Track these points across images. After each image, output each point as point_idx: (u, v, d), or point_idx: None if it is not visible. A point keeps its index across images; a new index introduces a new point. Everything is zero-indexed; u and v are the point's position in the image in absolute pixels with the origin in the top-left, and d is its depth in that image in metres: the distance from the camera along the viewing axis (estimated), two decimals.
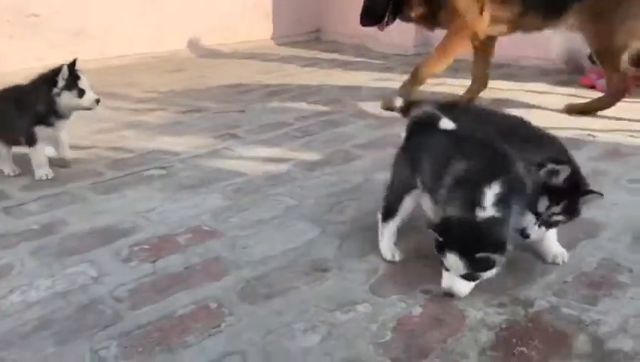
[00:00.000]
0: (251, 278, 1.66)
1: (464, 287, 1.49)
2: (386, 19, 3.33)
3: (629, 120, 3.05)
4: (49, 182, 2.39)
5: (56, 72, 2.37)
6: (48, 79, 2.38)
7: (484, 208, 1.45)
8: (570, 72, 4.08)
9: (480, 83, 3.49)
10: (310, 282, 1.64)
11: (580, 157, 2.44)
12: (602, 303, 1.51)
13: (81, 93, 2.41)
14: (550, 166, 1.56)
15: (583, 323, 1.43)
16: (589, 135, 2.84)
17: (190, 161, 2.61)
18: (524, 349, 1.36)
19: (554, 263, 1.68)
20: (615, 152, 2.61)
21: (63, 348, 1.39)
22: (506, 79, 4.03)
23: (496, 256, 1.43)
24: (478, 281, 1.49)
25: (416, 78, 3.30)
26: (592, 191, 1.61)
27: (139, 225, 2.00)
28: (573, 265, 1.68)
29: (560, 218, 1.60)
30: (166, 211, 2.10)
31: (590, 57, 3.76)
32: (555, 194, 1.56)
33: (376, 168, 2.45)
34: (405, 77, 3.45)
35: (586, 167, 2.34)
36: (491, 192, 1.46)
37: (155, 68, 4.70)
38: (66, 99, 2.39)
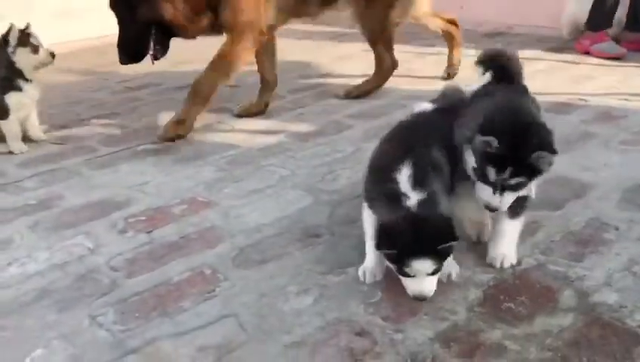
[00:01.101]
0: (245, 245, 1.70)
1: (432, 284, 1.37)
2: (151, 50, 2.54)
3: (623, 84, 3.06)
4: (44, 159, 2.41)
5: (6, 33, 2.42)
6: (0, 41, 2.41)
7: (407, 196, 1.37)
8: (570, 40, 4.03)
9: (272, 85, 2.97)
10: (302, 248, 1.67)
11: (572, 121, 2.50)
12: (588, 259, 1.55)
13: (35, 48, 2.45)
14: (479, 139, 1.39)
15: (569, 279, 1.47)
16: (581, 99, 2.85)
17: None
18: (512, 305, 1.39)
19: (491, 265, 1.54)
20: (607, 115, 2.62)
21: (62, 315, 1.43)
22: (500, 46, 4.02)
23: (453, 239, 1.35)
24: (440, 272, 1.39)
25: (197, 100, 2.56)
26: (546, 149, 1.39)
27: (134, 197, 2.03)
28: (561, 225, 1.71)
29: (517, 181, 1.42)
30: (160, 184, 2.13)
31: (587, 23, 3.75)
32: (497, 162, 1.40)
33: (366, 138, 2.47)
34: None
35: (577, 130, 2.39)
36: (403, 177, 1.38)
37: None
38: (21, 56, 2.43)
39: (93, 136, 2.66)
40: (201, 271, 1.58)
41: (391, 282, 1.47)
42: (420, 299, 1.37)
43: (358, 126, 2.64)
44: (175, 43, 2.65)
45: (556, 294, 1.41)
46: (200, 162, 2.31)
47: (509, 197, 1.44)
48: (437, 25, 3.22)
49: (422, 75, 3.41)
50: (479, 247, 1.59)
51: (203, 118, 2.78)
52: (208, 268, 1.59)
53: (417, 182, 1.37)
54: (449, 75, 3.28)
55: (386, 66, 3.06)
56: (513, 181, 1.41)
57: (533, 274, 1.49)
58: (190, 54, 4.36)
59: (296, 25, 5.29)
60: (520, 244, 1.60)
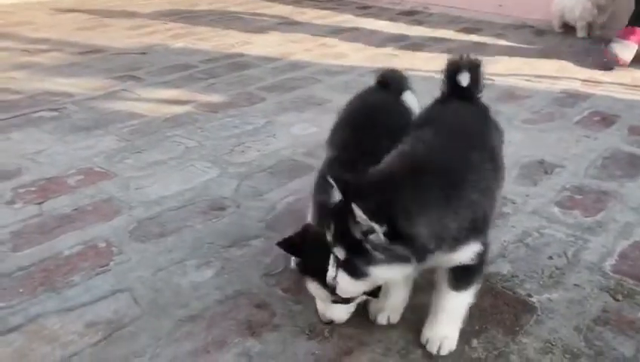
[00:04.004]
0: (144, 218, 1.62)
1: (341, 313, 1.20)
2: None
3: (528, 65, 3.18)
4: None
5: None
6: None
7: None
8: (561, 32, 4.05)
9: None
10: (205, 221, 1.62)
11: None
12: None
13: None
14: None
15: None
16: (489, 78, 2.93)
17: (85, 102, 2.47)
18: None
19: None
20: (511, 95, 2.72)
21: None
22: (415, 25, 4.08)
23: None
24: (356, 303, 1.20)
25: None
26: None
27: (25, 167, 1.89)
28: None
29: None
30: (56, 153, 1.99)
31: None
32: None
33: (279, 110, 2.43)
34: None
35: None
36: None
37: (50, 6, 4.38)
38: None
39: None
40: (94, 244, 1.50)
41: None
42: (327, 322, 1.21)
43: (272, 98, 2.59)
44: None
45: None
46: (101, 131, 2.18)
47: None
48: None
49: (337, 50, 3.40)
50: None
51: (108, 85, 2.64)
52: (103, 241, 1.51)
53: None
54: None
55: None
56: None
57: None
58: (97, 22, 4.13)
59: None
60: None
